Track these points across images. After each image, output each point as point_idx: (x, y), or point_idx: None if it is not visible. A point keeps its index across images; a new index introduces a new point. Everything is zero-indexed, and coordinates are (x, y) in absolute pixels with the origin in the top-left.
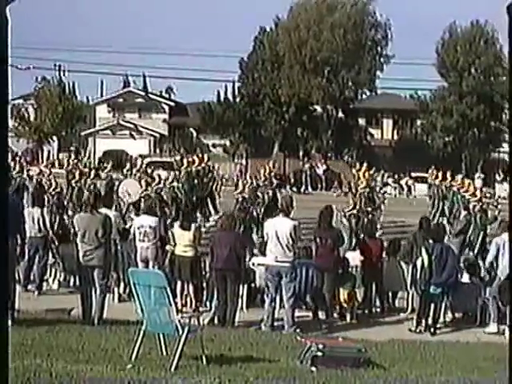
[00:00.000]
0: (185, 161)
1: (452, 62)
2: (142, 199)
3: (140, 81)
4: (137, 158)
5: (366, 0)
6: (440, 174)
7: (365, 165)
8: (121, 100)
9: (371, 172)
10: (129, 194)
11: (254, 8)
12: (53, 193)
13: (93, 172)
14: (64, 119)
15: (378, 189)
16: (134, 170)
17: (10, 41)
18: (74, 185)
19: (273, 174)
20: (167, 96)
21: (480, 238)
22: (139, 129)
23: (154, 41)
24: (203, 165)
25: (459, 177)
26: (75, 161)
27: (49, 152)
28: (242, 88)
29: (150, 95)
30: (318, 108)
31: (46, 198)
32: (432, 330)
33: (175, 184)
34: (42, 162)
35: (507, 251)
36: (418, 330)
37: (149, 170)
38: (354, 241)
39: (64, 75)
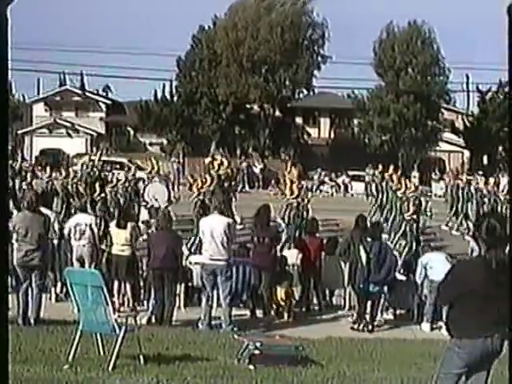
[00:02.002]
0: (215, 163)
1: (389, 62)
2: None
3: (77, 79)
4: (74, 157)
5: (304, 0)
6: (465, 177)
7: (391, 167)
8: (58, 98)
9: (398, 173)
10: (156, 199)
11: (193, 6)
12: (98, 198)
13: (123, 176)
14: None
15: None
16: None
17: (10, 41)
18: (110, 189)
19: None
20: (104, 94)
21: None
22: (76, 127)
23: (91, 39)
24: (230, 167)
25: (491, 180)
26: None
27: None
28: (180, 87)
29: (87, 93)
30: (256, 107)
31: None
32: (370, 327)
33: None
34: None
35: (436, 267)
36: (356, 328)
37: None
38: (414, 245)
39: None
